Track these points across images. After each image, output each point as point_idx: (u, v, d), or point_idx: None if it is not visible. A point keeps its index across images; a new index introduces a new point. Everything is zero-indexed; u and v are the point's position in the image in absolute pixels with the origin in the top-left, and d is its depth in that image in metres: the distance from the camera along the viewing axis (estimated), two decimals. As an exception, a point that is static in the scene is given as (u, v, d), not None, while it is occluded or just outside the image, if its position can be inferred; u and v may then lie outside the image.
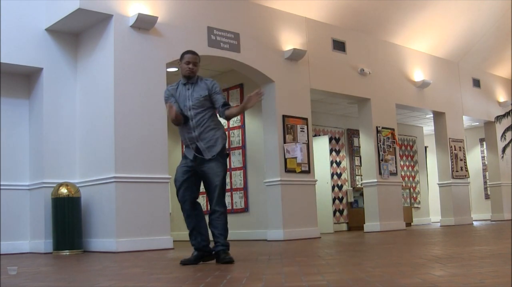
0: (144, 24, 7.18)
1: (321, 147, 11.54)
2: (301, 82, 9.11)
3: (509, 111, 12.92)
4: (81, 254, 6.70)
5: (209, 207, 4.44)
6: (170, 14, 7.59)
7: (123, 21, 7.11)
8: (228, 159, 4.51)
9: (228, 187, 9.53)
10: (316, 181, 9.10)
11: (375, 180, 10.21)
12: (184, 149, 4.57)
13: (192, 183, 4.45)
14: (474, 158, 15.78)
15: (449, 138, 12.20)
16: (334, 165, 12.45)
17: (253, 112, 9.16)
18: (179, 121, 4.38)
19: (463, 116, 12.91)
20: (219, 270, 3.75)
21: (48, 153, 7.32)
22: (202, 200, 10.06)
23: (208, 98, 4.43)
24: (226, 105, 4.42)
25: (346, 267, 3.70)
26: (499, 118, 13.03)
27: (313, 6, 9.31)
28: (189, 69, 4.43)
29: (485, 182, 15.71)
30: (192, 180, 4.45)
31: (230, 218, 10.19)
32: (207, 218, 4.45)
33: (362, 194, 11.37)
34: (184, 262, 4.34)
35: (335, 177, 12.38)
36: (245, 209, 9.09)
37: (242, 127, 9.48)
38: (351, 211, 12.36)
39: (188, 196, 4.43)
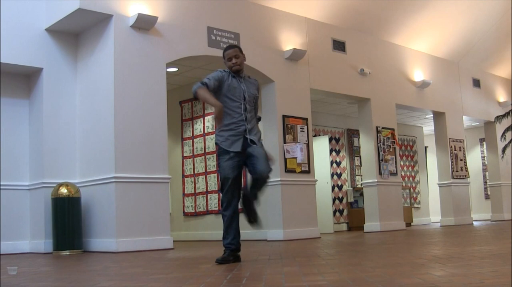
0: (144, 24, 7.18)
1: (321, 147, 11.54)
2: (301, 82, 9.11)
3: (509, 111, 12.92)
4: (81, 254, 6.70)
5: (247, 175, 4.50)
6: (170, 14, 7.59)
7: (123, 21, 7.11)
8: None
9: (228, 187, 9.51)
10: (316, 181, 9.10)
11: (375, 180, 10.21)
12: (224, 144, 4.41)
13: (240, 179, 4.44)
14: (474, 158, 15.78)
15: (449, 138, 12.20)
16: (334, 165, 12.45)
17: (253, 112, 9.16)
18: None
19: (463, 116, 12.91)
20: (219, 270, 3.75)
21: (48, 153, 7.32)
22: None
23: (255, 99, 4.56)
24: (258, 120, 4.63)
25: (346, 267, 3.70)
26: (499, 118, 13.03)
27: (313, 6, 9.31)
28: (234, 63, 4.44)
29: (485, 182, 15.71)
30: (240, 176, 4.44)
31: (230, 218, 10.12)
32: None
33: (362, 194, 11.38)
34: (222, 261, 4.24)
35: (335, 177, 12.38)
36: (245, 209, 9.08)
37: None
38: (351, 211, 12.36)
39: (237, 194, 4.41)
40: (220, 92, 4.41)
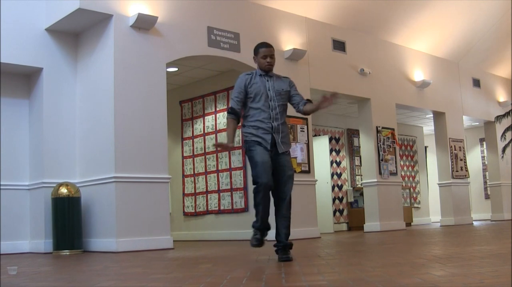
0: (144, 24, 7.18)
1: (321, 147, 11.54)
2: (301, 82, 9.08)
3: (509, 111, 12.92)
4: (81, 254, 6.70)
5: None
6: (170, 14, 7.59)
7: (123, 21, 7.11)
8: None
9: (228, 187, 9.53)
10: (316, 181, 9.10)
11: (375, 180, 10.21)
12: (253, 138, 4.38)
13: (271, 168, 4.41)
14: (474, 158, 15.79)
15: (449, 138, 12.20)
16: (334, 165, 12.45)
17: (253, 112, 9.16)
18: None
19: (463, 116, 12.91)
20: (219, 270, 3.75)
21: (48, 153, 7.32)
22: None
23: (287, 94, 4.48)
24: (307, 100, 4.49)
25: (346, 267, 3.70)
26: (499, 118, 13.03)
27: (313, 6, 9.31)
28: (268, 63, 4.40)
29: (485, 182, 15.71)
30: (271, 164, 4.40)
31: (230, 218, 10.21)
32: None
33: (362, 194, 11.38)
34: (256, 244, 4.39)
35: (335, 177, 12.38)
36: (245, 209, 9.09)
37: (242, 127, 9.49)
38: (351, 211, 12.36)
39: (272, 181, 4.39)
40: (246, 96, 4.42)
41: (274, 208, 4.55)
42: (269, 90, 4.39)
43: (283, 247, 4.40)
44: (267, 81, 4.43)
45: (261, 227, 4.48)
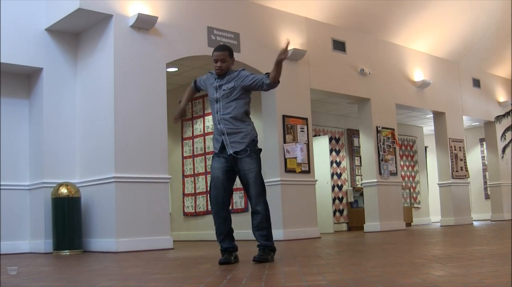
0: (144, 24, 7.18)
1: (321, 147, 11.54)
2: (301, 82, 9.11)
3: (509, 111, 12.92)
4: (81, 254, 6.70)
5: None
6: (170, 14, 7.59)
7: (123, 21, 7.11)
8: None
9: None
10: (316, 181, 9.10)
11: (375, 180, 10.21)
12: (212, 144, 4.42)
13: (229, 182, 4.29)
14: (474, 158, 15.78)
15: (449, 138, 12.20)
16: (334, 165, 12.45)
17: (253, 112, 9.13)
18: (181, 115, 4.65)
19: (463, 116, 12.91)
20: (219, 270, 3.75)
21: (48, 153, 7.32)
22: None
23: (234, 90, 4.29)
24: (267, 74, 4.30)
25: (346, 267, 3.70)
26: (499, 118, 13.03)
27: (313, 6, 9.31)
28: (218, 67, 4.32)
29: (485, 182, 15.70)
30: (229, 178, 4.29)
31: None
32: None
33: (362, 194, 11.37)
34: (224, 262, 4.13)
35: (335, 177, 12.38)
36: (245, 209, 9.09)
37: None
38: (351, 211, 12.36)
39: (226, 196, 4.25)
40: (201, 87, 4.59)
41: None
42: (216, 91, 4.33)
43: (263, 248, 4.22)
44: (217, 82, 4.35)
45: (230, 249, 4.25)
